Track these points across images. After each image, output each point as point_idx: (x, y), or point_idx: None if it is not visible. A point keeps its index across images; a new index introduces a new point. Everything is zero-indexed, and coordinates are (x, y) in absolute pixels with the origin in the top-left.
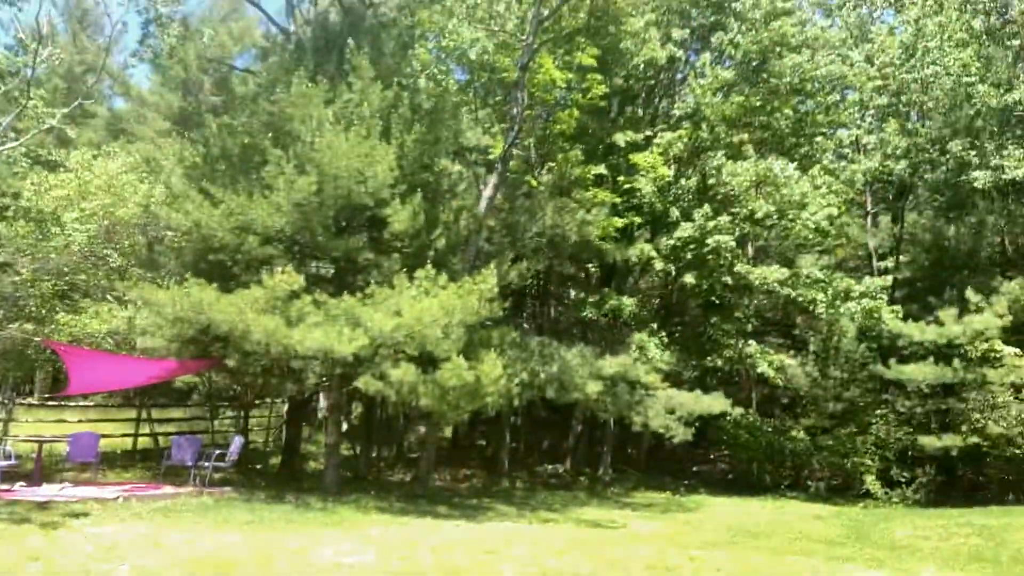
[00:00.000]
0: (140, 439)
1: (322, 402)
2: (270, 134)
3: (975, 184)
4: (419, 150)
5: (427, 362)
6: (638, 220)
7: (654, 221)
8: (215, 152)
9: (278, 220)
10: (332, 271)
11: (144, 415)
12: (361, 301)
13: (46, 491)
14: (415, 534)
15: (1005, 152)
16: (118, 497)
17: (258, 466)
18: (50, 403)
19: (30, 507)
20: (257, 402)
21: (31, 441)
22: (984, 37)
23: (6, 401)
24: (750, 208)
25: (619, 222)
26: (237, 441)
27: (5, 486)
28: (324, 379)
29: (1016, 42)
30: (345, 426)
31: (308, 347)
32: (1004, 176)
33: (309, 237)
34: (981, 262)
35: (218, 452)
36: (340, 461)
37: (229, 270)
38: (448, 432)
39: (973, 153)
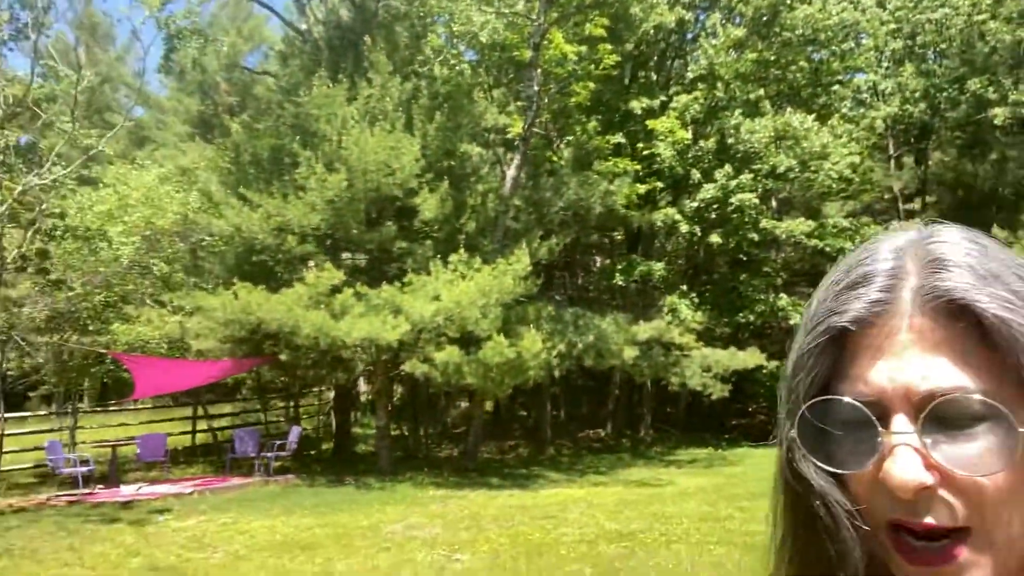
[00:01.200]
0: (198, 435)
1: (362, 387)
2: (297, 136)
3: (995, 121)
4: (441, 137)
5: (469, 342)
6: (660, 185)
7: (676, 185)
8: (246, 157)
9: (313, 218)
10: (366, 262)
11: (200, 412)
12: (400, 289)
13: (125, 492)
14: (474, 506)
15: (1022, 87)
16: (192, 492)
17: (312, 452)
18: (108, 409)
19: (115, 507)
20: (304, 391)
21: (103, 446)
22: None
23: (71, 410)
24: (771, 164)
25: (641, 189)
26: (294, 431)
27: (86, 490)
28: (371, 366)
29: None
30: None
31: (355, 337)
32: (1023, 111)
33: (343, 232)
34: (1005, 198)
35: (279, 443)
36: (391, 442)
37: (271, 270)
38: (489, 406)
39: (991, 90)
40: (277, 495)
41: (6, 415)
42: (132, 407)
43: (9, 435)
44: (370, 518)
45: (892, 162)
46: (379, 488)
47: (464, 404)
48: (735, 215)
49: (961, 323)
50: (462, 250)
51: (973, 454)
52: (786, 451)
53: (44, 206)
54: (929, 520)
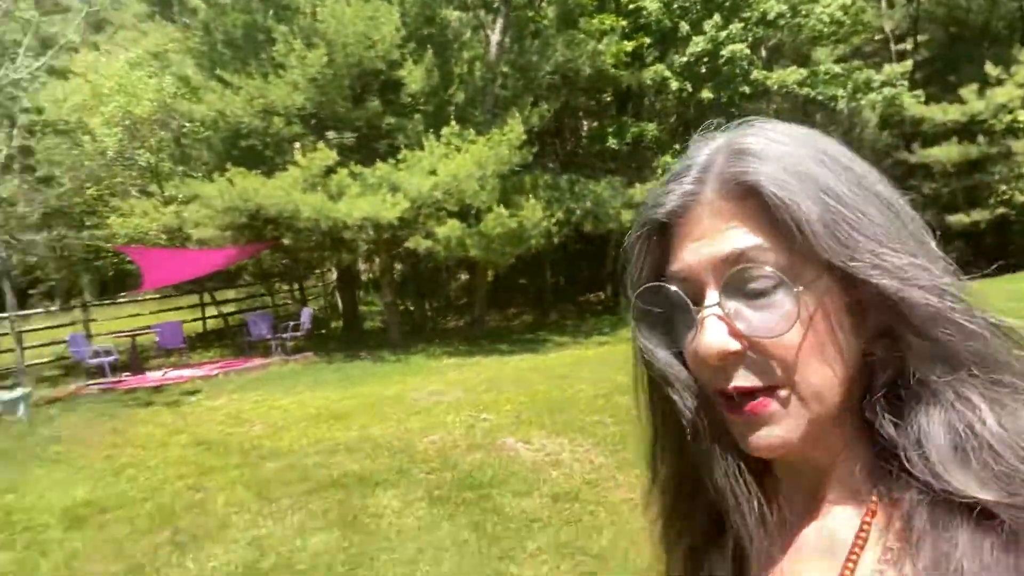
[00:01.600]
0: (208, 321)
1: (361, 266)
2: (270, 11)
3: None
4: (420, 3)
5: (468, 215)
6: (648, 41)
7: (664, 40)
8: (218, 36)
9: (297, 98)
10: (355, 140)
11: (208, 299)
12: (395, 167)
13: (151, 377)
14: (489, 371)
15: None
16: (217, 374)
17: (323, 332)
18: (116, 302)
19: (147, 392)
20: (307, 273)
21: (119, 337)
22: None
23: (82, 304)
24: (761, 10)
25: (629, 45)
26: (306, 312)
27: (114, 378)
28: (373, 244)
29: None
30: None
31: (356, 217)
32: None
33: (329, 110)
34: (998, 33)
35: (292, 323)
36: (399, 317)
37: (261, 154)
38: (490, 276)
39: None
40: (298, 373)
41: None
42: (139, 299)
43: (21, 332)
44: (392, 388)
45: (883, 1)
46: (394, 360)
47: (464, 277)
48: (726, 67)
49: (750, 201)
50: (453, 122)
51: (769, 319)
52: (633, 339)
53: (23, 102)
54: (739, 383)
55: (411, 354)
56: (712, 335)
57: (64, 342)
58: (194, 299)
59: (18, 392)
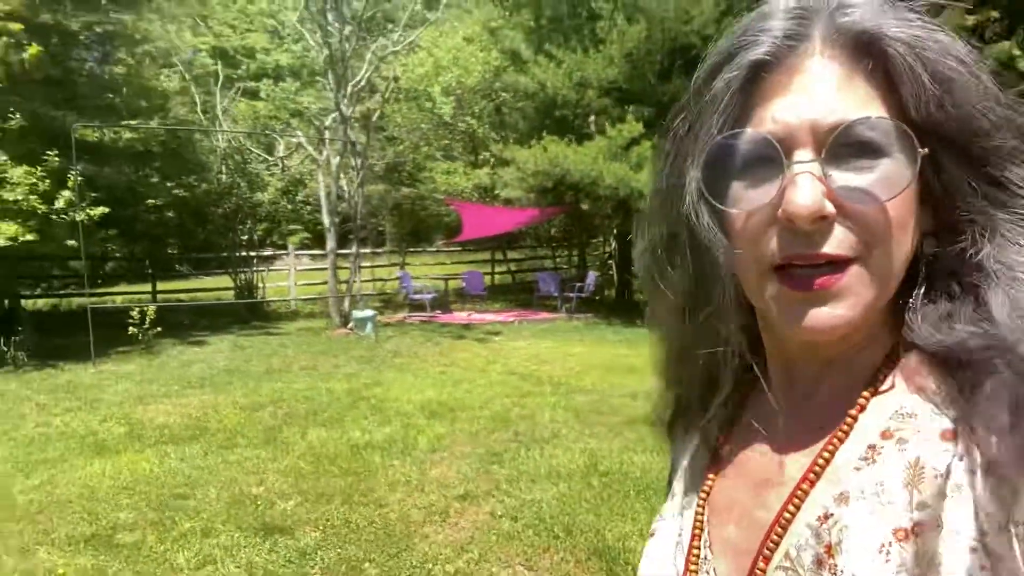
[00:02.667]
0: (496, 276)
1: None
2: None
3: None
4: None
5: None
6: (994, 15)
7: (1012, 14)
8: (547, 13)
9: (611, 72)
10: (654, 114)
11: (499, 256)
12: None
13: (457, 317)
14: None
15: None
16: (514, 321)
17: (597, 298)
18: (423, 250)
19: (458, 328)
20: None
21: (434, 279)
22: None
23: (399, 249)
24: None
25: (970, 20)
26: (591, 276)
27: (430, 313)
28: None
29: None
30: None
31: None
32: None
33: (638, 84)
34: None
35: (578, 285)
36: None
37: (570, 124)
38: None
39: None
40: (581, 329)
41: (347, 251)
42: (442, 249)
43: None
44: None
45: None
46: None
47: None
48: None
49: (867, 60)
50: None
51: (869, 185)
52: (687, 203)
53: (393, 70)
54: (825, 250)
55: None
56: (807, 193)
57: (383, 280)
58: (486, 255)
59: (368, 313)
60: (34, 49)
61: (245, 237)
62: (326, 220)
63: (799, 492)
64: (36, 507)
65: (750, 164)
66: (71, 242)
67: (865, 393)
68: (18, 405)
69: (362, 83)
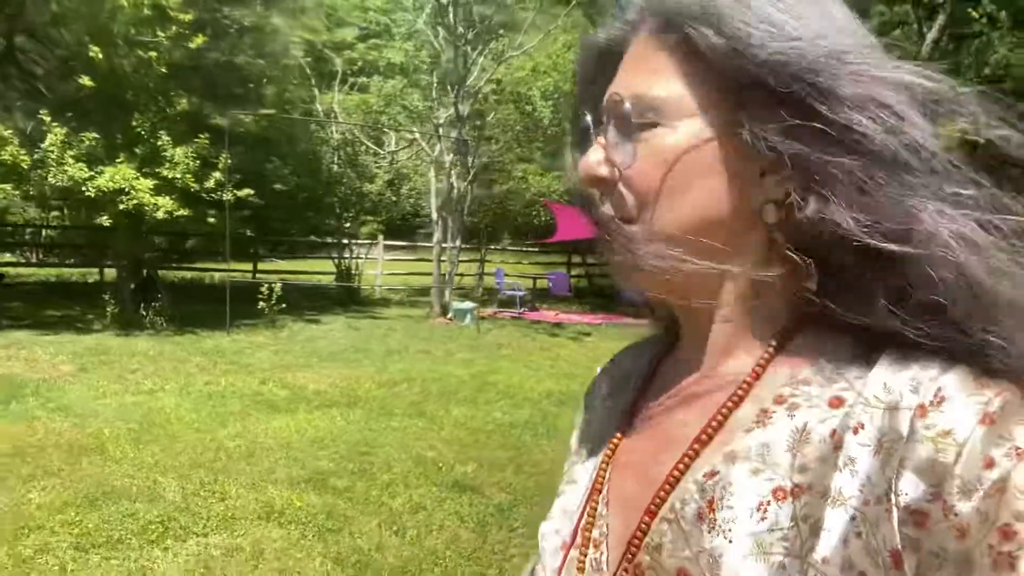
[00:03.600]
0: (574, 279)
1: None
2: None
3: None
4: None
5: None
6: None
7: None
8: None
9: None
10: None
11: (577, 259)
12: None
13: (545, 316)
14: None
15: None
16: (601, 323)
17: None
18: (507, 249)
19: (548, 326)
20: None
21: (524, 278)
22: None
23: (483, 248)
24: None
25: None
26: None
27: (521, 309)
28: None
29: None
30: None
31: None
32: None
33: None
34: None
35: None
36: None
37: None
38: None
39: None
40: None
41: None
42: (511, 248)
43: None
44: None
45: None
46: None
47: None
48: None
49: (673, 35)
50: None
51: (637, 153)
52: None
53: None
54: (603, 209)
55: None
56: (588, 158)
57: (468, 275)
58: (563, 257)
59: (468, 305)
60: (200, 39)
61: (348, 225)
62: (434, 214)
63: (690, 451)
64: (246, 452)
65: (585, 132)
66: (211, 219)
67: (764, 357)
68: (183, 364)
69: (481, 84)
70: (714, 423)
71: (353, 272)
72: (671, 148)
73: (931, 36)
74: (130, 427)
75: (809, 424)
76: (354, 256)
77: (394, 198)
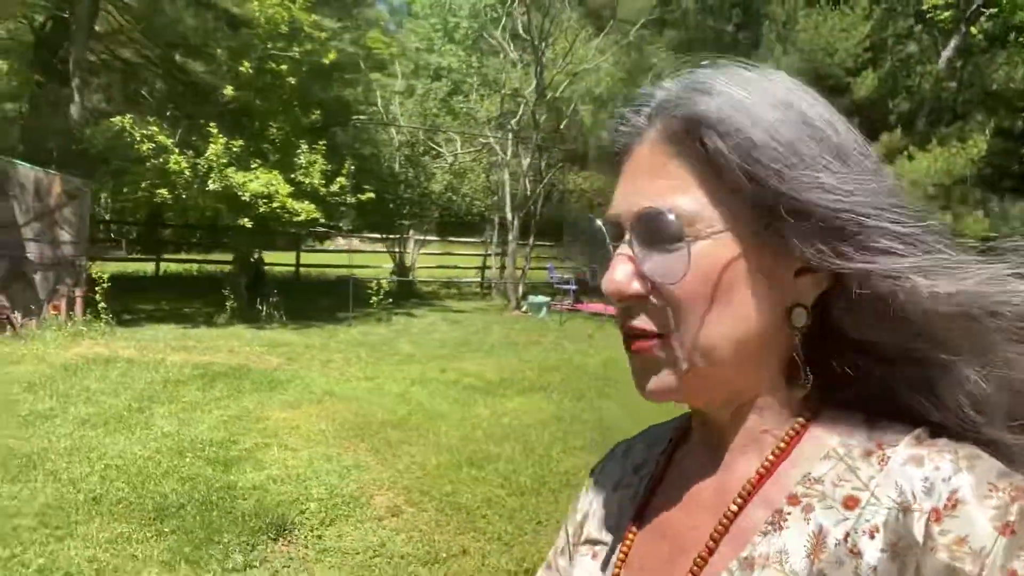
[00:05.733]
0: None
1: None
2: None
3: None
4: (881, 19)
5: None
6: None
7: None
8: (690, 35)
9: None
10: None
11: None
12: None
13: (593, 307)
14: None
15: None
16: None
17: None
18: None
19: (606, 318)
20: None
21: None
22: None
23: (528, 244)
24: None
25: None
26: None
27: (572, 302)
28: None
29: None
30: None
31: None
32: None
33: None
34: None
35: None
36: None
37: None
38: None
39: None
40: None
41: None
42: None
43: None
44: None
45: None
46: None
47: None
48: None
49: (687, 144)
50: (898, 130)
51: (666, 264)
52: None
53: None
54: (635, 323)
55: None
56: (617, 274)
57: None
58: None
59: (543, 298)
60: (332, 54)
61: (409, 223)
62: (509, 214)
63: (698, 559)
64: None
65: (593, 243)
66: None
67: (771, 457)
68: (345, 353)
69: (559, 92)
70: (719, 527)
71: (406, 266)
72: (714, 261)
73: (946, 55)
74: (408, 409)
75: (824, 527)
76: (420, 252)
77: (454, 197)
